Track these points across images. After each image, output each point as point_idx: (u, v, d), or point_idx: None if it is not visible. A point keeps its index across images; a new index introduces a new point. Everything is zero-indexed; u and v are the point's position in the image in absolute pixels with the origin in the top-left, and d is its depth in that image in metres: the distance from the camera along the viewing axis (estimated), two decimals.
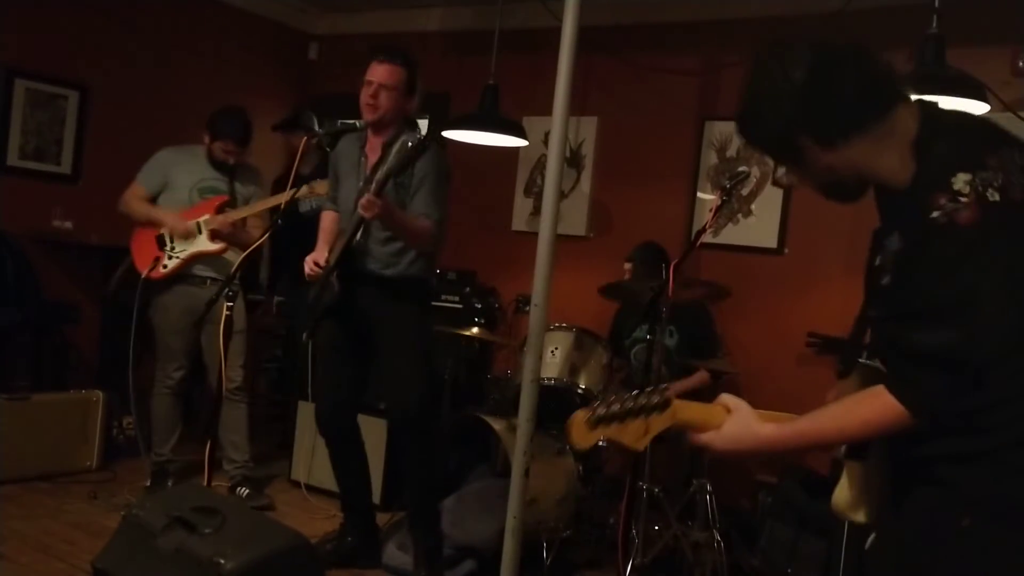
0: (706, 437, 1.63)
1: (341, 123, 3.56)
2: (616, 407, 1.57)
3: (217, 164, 4.27)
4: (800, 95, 1.53)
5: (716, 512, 3.69)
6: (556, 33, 2.88)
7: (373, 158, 3.40)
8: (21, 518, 3.72)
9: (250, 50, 5.88)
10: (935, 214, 1.41)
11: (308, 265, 3.47)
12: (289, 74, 6.15)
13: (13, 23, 4.73)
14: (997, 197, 1.41)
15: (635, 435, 1.59)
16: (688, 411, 1.63)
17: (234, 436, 4.34)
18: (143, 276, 4.11)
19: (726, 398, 1.67)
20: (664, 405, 1.59)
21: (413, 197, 3.35)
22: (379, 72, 3.33)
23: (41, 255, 4.85)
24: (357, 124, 3.45)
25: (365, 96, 3.34)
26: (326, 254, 3.46)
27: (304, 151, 3.61)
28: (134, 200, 4.26)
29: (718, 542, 3.62)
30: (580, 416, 1.57)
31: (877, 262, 1.58)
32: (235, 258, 4.29)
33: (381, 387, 4.10)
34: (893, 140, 1.52)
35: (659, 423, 1.60)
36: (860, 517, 1.74)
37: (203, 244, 4.15)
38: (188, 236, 4.14)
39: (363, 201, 3.10)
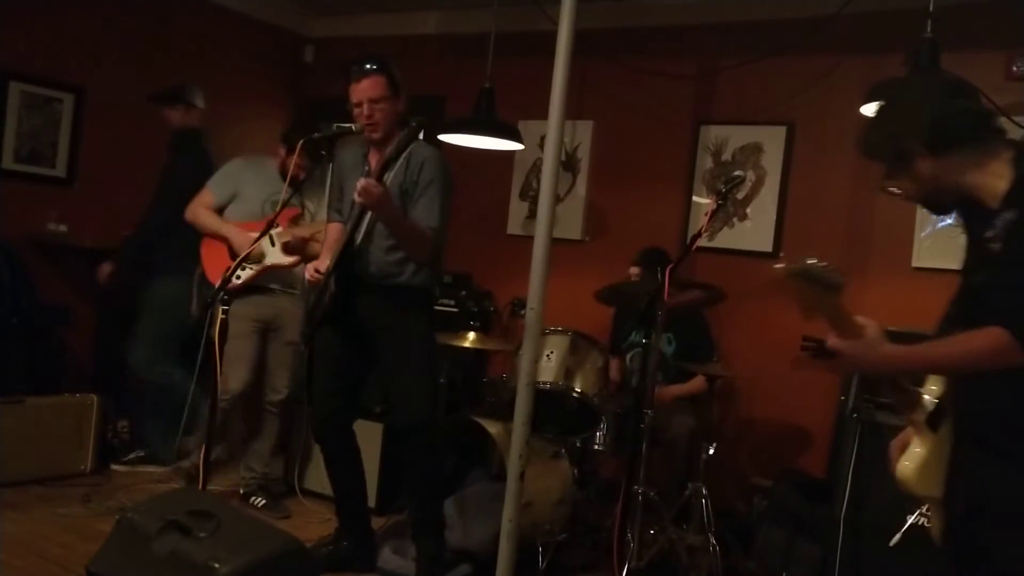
0: (842, 344, 1.82)
1: (337, 126, 3.54)
2: (809, 271, 1.72)
3: (285, 177, 4.27)
4: (921, 110, 1.85)
5: (711, 515, 3.69)
6: (552, 36, 2.88)
7: (376, 166, 3.38)
8: (15, 521, 3.71)
9: (245, 53, 5.88)
10: None
11: (309, 271, 3.48)
12: (284, 77, 6.15)
13: (8, 25, 4.72)
14: None
15: (809, 302, 1.77)
16: (844, 311, 1.80)
17: (261, 446, 4.34)
18: (218, 288, 4.09)
19: (860, 318, 1.83)
20: (839, 289, 1.76)
21: (416, 204, 3.35)
22: (362, 89, 3.33)
23: (36, 258, 4.83)
24: (352, 127, 3.45)
25: (361, 118, 3.35)
26: (325, 262, 3.45)
27: (299, 153, 3.61)
28: (202, 210, 4.26)
29: (713, 545, 3.63)
30: (785, 263, 1.77)
31: (988, 234, 1.79)
32: (299, 271, 4.30)
33: (376, 391, 4.11)
34: (991, 162, 1.81)
35: (827, 303, 1.77)
36: (930, 491, 1.89)
37: (277, 257, 4.15)
38: (255, 255, 4.11)
39: (361, 184, 3.11)
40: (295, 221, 4.23)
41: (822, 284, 1.74)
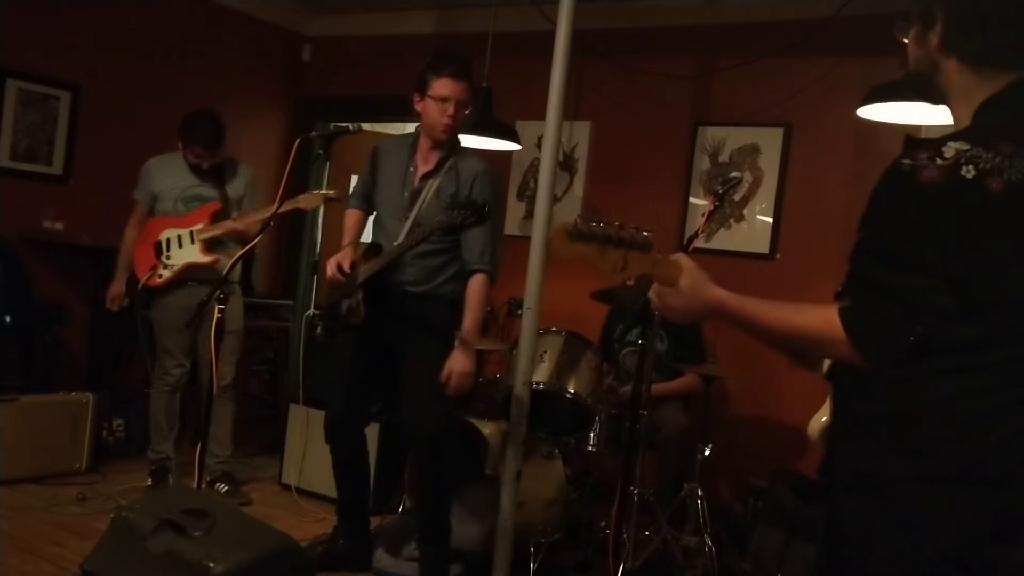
0: (662, 291, 1.62)
1: (334, 126, 3.54)
2: (599, 229, 1.53)
3: (199, 170, 4.28)
4: None
5: (707, 516, 3.69)
6: (549, 37, 2.89)
7: (423, 168, 3.37)
8: (10, 519, 3.70)
9: (243, 51, 5.88)
10: (906, 160, 1.42)
11: (331, 267, 3.37)
12: (283, 76, 6.15)
13: (5, 23, 4.71)
14: (971, 175, 1.39)
15: (611, 264, 1.56)
16: (665, 265, 1.59)
17: (218, 431, 4.35)
18: (140, 284, 4.17)
19: (679, 257, 1.62)
20: (647, 247, 1.56)
21: (467, 234, 3.23)
22: (457, 89, 3.26)
23: (31, 256, 4.83)
24: (350, 127, 3.44)
25: (443, 115, 3.26)
26: (349, 257, 3.37)
27: (297, 153, 3.60)
28: (129, 233, 4.33)
29: (709, 546, 3.63)
30: (561, 225, 1.54)
31: None
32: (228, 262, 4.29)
33: (375, 391, 4.08)
34: (975, 94, 1.53)
35: (637, 262, 1.57)
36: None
37: (195, 256, 4.16)
38: (178, 238, 4.19)
39: (456, 378, 3.16)
40: (217, 216, 4.20)
41: (625, 245, 1.56)
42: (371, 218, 3.64)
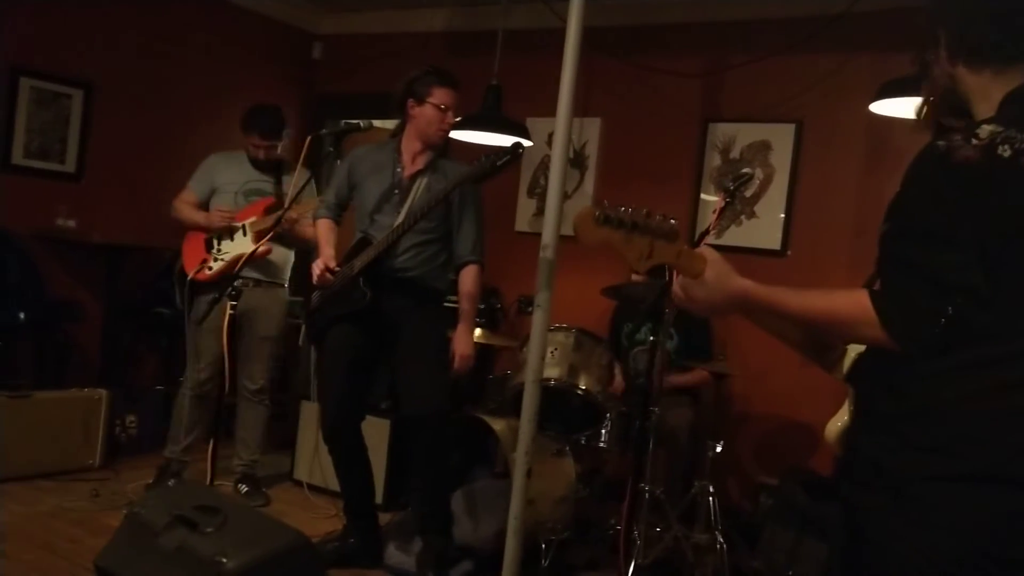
0: (681, 291, 1.60)
1: (345, 123, 3.55)
2: (626, 215, 1.52)
3: (260, 165, 4.31)
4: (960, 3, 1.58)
5: (718, 514, 3.69)
6: (559, 34, 2.87)
7: (412, 168, 3.49)
8: (23, 516, 3.73)
9: (254, 49, 5.89)
10: (940, 142, 1.42)
11: (318, 271, 3.46)
12: (293, 74, 6.16)
13: (18, 21, 4.74)
14: (1007, 154, 1.39)
15: (637, 252, 1.54)
16: (690, 256, 1.57)
17: (246, 434, 4.38)
18: (189, 277, 4.16)
19: (704, 249, 1.60)
20: (673, 235, 1.53)
21: (460, 227, 3.50)
22: (453, 98, 3.49)
23: (44, 253, 4.85)
24: (360, 124, 3.47)
25: (443, 122, 3.48)
26: (332, 260, 3.48)
27: (308, 149, 3.61)
28: (184, 206, 4.32)
29: (720, 544, 3.62)
30: (588, 209, 1.51)
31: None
32: (281, 259, 4.29)
33: (383, 387, 4.10)
34: (995, 89, 1.53)
35: (663, 251, 1.54)
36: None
37: (247, 246, 4.11)
38: (230, 232, 4.17)
39: (460, 363, 3.41)
40: (270, 210, 4.19)
41: (652, 234, 1.53)
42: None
